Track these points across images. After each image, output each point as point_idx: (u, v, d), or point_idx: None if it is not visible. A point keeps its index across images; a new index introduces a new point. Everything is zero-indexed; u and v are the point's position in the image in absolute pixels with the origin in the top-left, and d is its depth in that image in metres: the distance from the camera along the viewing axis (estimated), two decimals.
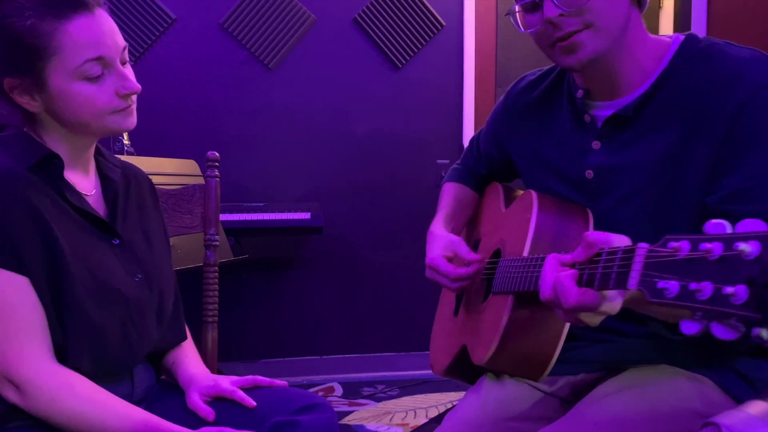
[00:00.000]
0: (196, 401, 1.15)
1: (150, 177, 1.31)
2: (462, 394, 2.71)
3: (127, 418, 1.03)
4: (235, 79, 3.01)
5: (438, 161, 3.19)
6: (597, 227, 1.04)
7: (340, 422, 2.15)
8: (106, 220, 1.12)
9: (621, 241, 0.76)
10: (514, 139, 1.25)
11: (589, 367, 1.09)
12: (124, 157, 1.28)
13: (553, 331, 1.02)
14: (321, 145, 3.10)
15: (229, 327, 2.82)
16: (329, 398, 2.86)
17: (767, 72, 0.93)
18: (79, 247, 1.05)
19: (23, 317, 0.99)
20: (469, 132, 3.20)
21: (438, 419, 1.24)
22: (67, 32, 0.99)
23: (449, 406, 1.42)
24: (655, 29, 3.06)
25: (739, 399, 0.98)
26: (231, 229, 2.65)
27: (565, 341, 1.01)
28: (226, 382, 1.17)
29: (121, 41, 1.05)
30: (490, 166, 1.37)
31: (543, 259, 0.90)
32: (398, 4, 3.08)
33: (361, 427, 2.51)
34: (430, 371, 1.40)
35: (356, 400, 2.83)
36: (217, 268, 1.61)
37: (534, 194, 1.10)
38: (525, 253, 1.03)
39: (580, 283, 0.76)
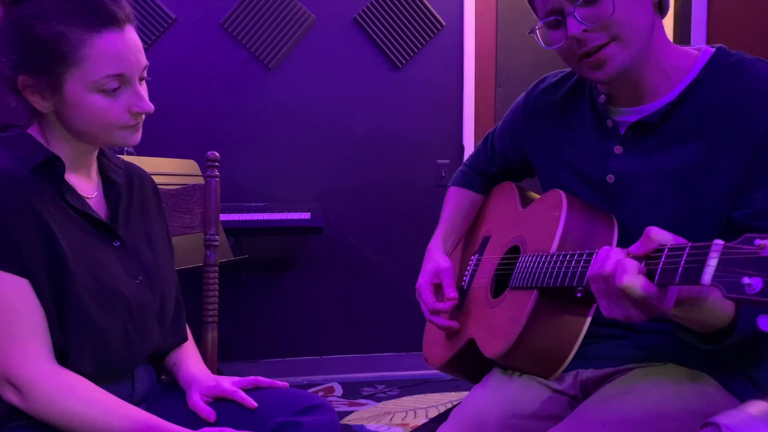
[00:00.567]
0: (197, 402, 1.15)
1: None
2: (462, 393, 2.71)
3: (127, 418, 1.03)
4: (235, 79, 3.01)
5: (438, 161, 3.19)
6: (619, 232, 1.05)
7: (340, 422, 2.15)
8: (107, 222, 1.12)
9: (679, 240, 0.77)
10: (533, 140, 1.26)
11: (597, 363, 1.10)
12: (125, 157, 1.28)
13: (573, 330, 1.03)
14: (321, 145, 3.10)
15: (229, 327, 2.82)
16: (329, 398, 2.86)
17: None
18: (80, 248, 1.05)
19: (24, 319, 0.99)
20: (469, 132, 3.20)
21: (438, 419, 1.24)
22: (94, 45, 0.99)
23: (449, 406, 1.42)
24: None
25: (745, 400, 0.98)
26: (231, 229, 2.65)
27: None
28: (228, 383, 1.17)
29: (143, 60, 1.05)
30: (503, 165, 1.38)
31: (584, 254, 0.93)
32: (398, 4, 3.08)
33: (361, 427, 2.51)
34: (430, 371, 1.41)
35: (356, 400, 2.83)
36: (217, 268, 1.61)
37: (562, 193, 1.11)
38: (552, 250, 1.04)
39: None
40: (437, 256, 1.33)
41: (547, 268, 1.02)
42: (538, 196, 1.27)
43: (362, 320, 3.20)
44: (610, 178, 1.09)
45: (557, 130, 1.20)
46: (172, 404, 1.17)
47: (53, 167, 1.05)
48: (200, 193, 1.61)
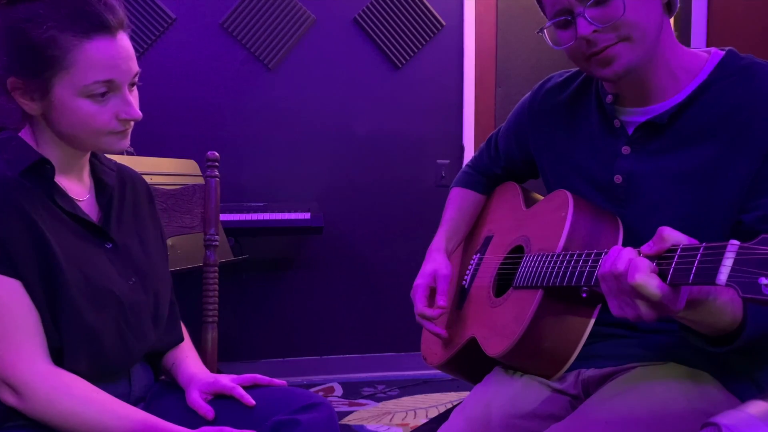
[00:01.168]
0: (196, 399, 1.15)
1: (150, 177, 1.31)
2: (462, 393, 2.71)
3: (125, 418, 1.03)
4: (235, 79, 3.01)
5: (438, 161, 3.19)
6: (625, 233, 1.05)
7: (340, 422, 2.15)
8: (98, 224, 1.12)
9: (692, 241, 0.77)
10: (539, 140, 1.25)
11: (599, 362, 1.10)
12: (124, 158, 1.28)
13: (577, 330, 1.03)
14: (321, 145, 3.10)
15: (229, 327, 2.83)
16: (329, 398, 2.86)
17: None
18: (71, 250, 1.05)
19: (18, 320, 0.99)
20: (469, 132, 3.20)
21: (438, 419, 1.24)
22: (84, 51, 0.99)
23: (449, 406, 1.42)
24: None
25: (746, 400, 0.98)
26: (231, 229, 2.65)
27: None
28: (226, 380, 1.17)
29: (135, 67, 1.05)
30: (507, 166, 1.38)
31: (593, 254, 0.93)
32: (398, 4, 3.08)
33: (361, 427, 2.51)
34: (430, 371, 1.41)
35: (356, 400, 2.83)
36: (217, 268, 1.61)
37: (568, 194, 1.11)
38: (558, 250, 1.04)
39: None
40: (438, 259, 1.33)
41: (553, 268, 1.01)
42: (541, 197, 1.27)
43: (362, 320, 3.20)
44: (618, 178, 1.08)
45: (563, 131, 1.20)
46: (171, 403, 1.17)
47: (43, 170, 1.05)
48: (200, 193, 1.61)
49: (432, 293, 1.30)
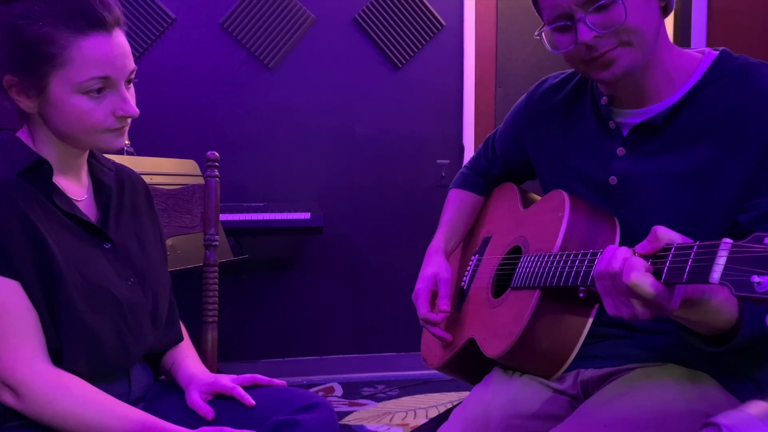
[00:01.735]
0: (196, 399, 1.15)
1: (149, 177, 1.31)
2: (462, 394, 2.71)
3: (124, 418, 1.03)
4: (235, 79, 3.00)
5: (438, 161, 3.19)
6: (621, 234, 1.05)
7: (340, 422, 2.15)
8: (96, 224, 1.12)
9: (686, 240, 0.77)
10: (535, 142, 1.25)
11: (598, 362, 1.10)
12: (124, 158, 1.28)
13: (575, 330, 1.04)
14: (321, 145, 3.10)
15: (229, 327, 2.82)
16: (329, 398, 2.85)
17: None
18: (70, 251, 1.05)
19: (17, 320, 0.99)
20: (469, 132, 3.20)
21: (438, 419, 1.24)
22: (80, 47, 0.99)
23: (449, 406, 1.42)
24: None
25: (746, 400, 0.98)
26: (231, 229, 2.65)
27: None
28: (226, 380, 1.17)
29: (130, 64, 1.05)
30: (504, 167, 1.38)
31: (589, 253, 0.93)
32: (398, 4, 3.08)
33: (361, 427, 2.51)
34: (430, 371, 1.40)
35: (356, 400, 2.83)
36: (217, 268, 1.61)
37: (565, 194, 1.11)
38: (555, 250, 1.04)
39: None
40: (438, 262, 1.33)
41: (550, 268, 1.02)
42: (539, 197, 1.27)
43: (362, 320, 3.20)
44: (613, 179, 1.09)
45: (559, 132, 1.20)
46: (170, 403, 1.17)
47: (41, 170, 1.05)
48: (200, 193, 1.61)
49: (434, 297, 1.29)
